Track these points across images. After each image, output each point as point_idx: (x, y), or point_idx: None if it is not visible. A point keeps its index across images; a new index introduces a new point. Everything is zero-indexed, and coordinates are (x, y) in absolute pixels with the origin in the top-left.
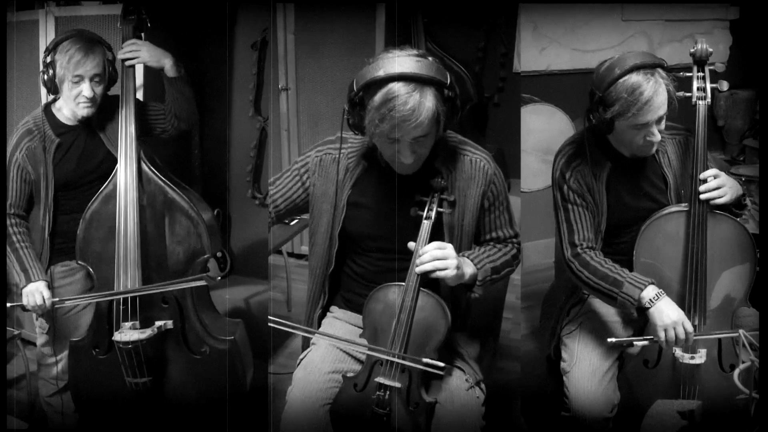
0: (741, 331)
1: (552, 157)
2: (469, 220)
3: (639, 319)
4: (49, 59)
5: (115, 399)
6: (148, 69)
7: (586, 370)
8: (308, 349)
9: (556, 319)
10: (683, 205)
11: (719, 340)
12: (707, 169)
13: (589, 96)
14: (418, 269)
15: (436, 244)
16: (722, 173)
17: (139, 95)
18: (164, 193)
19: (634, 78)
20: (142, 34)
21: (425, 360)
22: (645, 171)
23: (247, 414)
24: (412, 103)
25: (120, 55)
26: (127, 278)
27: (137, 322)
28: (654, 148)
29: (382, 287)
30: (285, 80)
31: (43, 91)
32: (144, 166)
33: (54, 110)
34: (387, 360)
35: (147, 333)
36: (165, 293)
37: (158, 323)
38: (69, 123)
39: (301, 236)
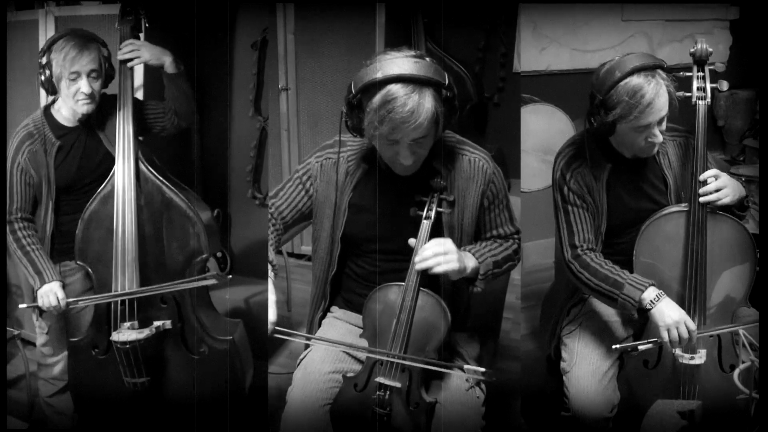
0: (741, 330)
1: (552, 157)
2: (468, 220)
3: (639, 319)
4: (45, 60)
5: (114, 399)
6: (147, 68)
7: (586, 370)
8: (308, 349)
9: (556, 319)
10: (683, 205)
11: (719, 340)
12: (707, 169)
13: (590, 99)
14: (419, 266)
15: (436, 240)
16: (723, 174)
17: (139, 95)
18: (162, 193)
19: (635, 80)
20: (140, 35)
21: (467, 367)
22: (645, 172)
23: (246, 414)
24: (411, 105)
25: (120, 57)
26: (125, 278)
27: (136, 322)
28: (655, 149)
29: (382, 287)
30: (285, 80)
31: (42, 93)
32: (142, 166)
33: (53, 112)
34: (388, 360)
35: (145, 333)
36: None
37: (157, 323)
38: (69, 124)
39: (301, 236)
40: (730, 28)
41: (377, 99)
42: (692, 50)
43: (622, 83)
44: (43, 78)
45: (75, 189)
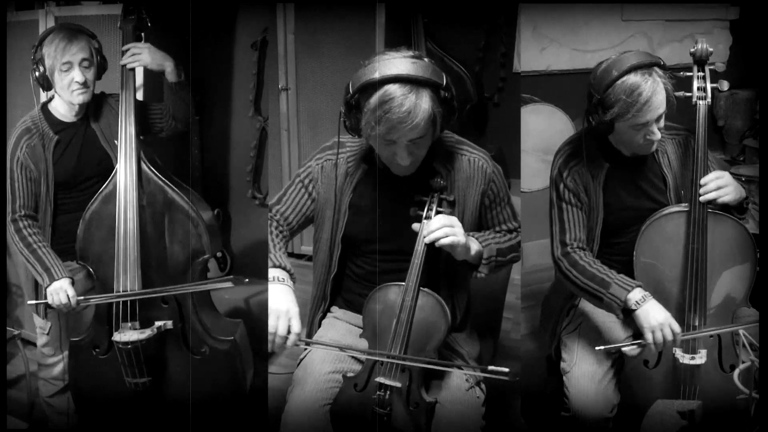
0: (741, 331)
1: (552, 157)
2: (468, 219)
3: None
4: (37, 56)
5: (115, 399)
6: (147, 70)
7: (586, 370)
8: (308, 349)
9: (556, 319)
10: (683, 205)
11: (719, 340)
12: (707, 169)
13: (588, 98)
14: (428, 238)
15: (442, 215)
16: (726, 173)
17: (139, 95)
18: (164, 193)
19: (632, 79)
20: (142, 34)
21: (491, 368)
22: (645, 171)
23: (246, 414)
24: (408, 105)
25: (122, 61)
26: (127, 279)
27: (137, 323)
28: (654, 147)
29: (381, 287)
30: (285, 80)
31: (38, 93)
32: (144, 167)
33: (50, 108)
34: (387, 360)
35: (146, 333)
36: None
37: (158, 323)
38: (66, 120)
39: (301, 236)
40: (730, 28)
41: (374, 99)
42: (692, 50)
43: (619, 81)
44: (37, 74)
45: (74, 185)
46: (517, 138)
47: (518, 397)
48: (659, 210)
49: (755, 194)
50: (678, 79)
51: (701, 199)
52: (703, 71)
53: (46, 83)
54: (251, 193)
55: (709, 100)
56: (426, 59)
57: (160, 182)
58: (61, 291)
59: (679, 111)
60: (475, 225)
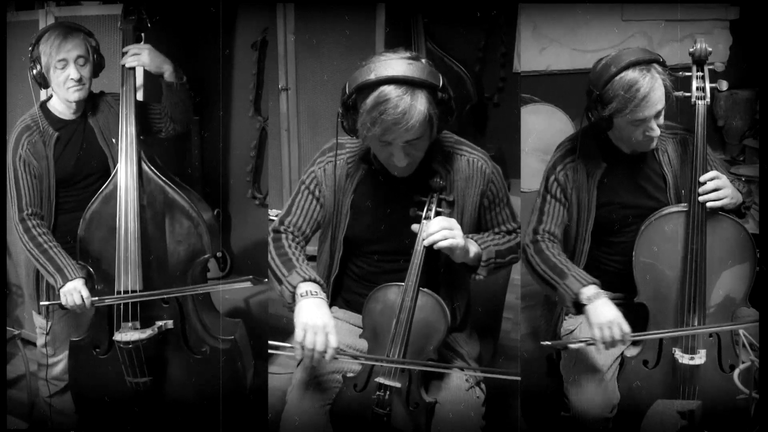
0: (741, 331)
1: None
2: (468, 220)
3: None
4: (34, 54)
5: (115, 399)
6: (147, 70)
7: (586, 370)
8: None
9: (557, 320)
10: (683, 205)
11: (719, 340)
12: (707, 168)
13: (587, 94)
14: (427, 241)
15: (441, 217)
16: (723, 176)
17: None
18: (164, 192)
19: (631, 74)
20: (142, 34)
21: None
22: (645, 169)
23: (246, 414)
24: (403, 106)
25: (122, 61)
26: (128, 278)
27: (138, 322)
28: (653, 143)
29: (381, 287)
30: (285, 80)
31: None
32: (144, 166)
33: (49, 107)
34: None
35: (147, 333)
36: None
37: (159, 323)
38: (65, 117)
39: None
40: (730, 28)
41: (370, 100)
42: (692, 50)
43: (617, 78)
44: (34, 72)
45: (74, 183)
46: (517, 138)
47: (518, 397)
48: (659, 210)
49: (755, 194)
50: (678, 79)
51: (700, 198)
52: (702, 71)
53: (43, 81)
54: (251, 193)
55: (708, 99)
56: (423, 60)
57: (161, 182)
58: (75, 292)
59: (679, 111)
60: (474, 226)
